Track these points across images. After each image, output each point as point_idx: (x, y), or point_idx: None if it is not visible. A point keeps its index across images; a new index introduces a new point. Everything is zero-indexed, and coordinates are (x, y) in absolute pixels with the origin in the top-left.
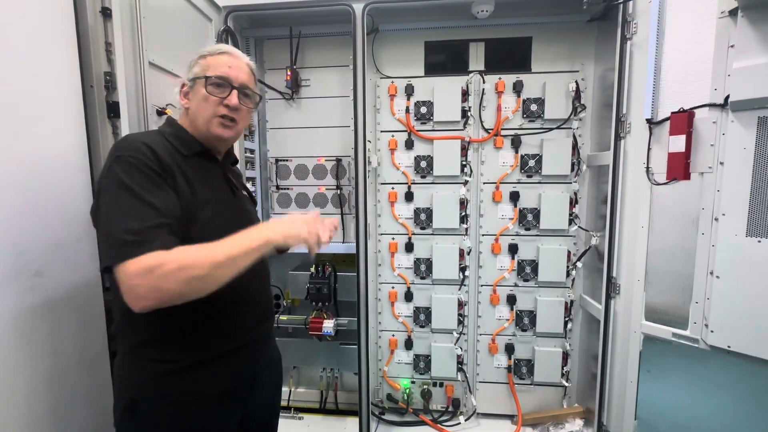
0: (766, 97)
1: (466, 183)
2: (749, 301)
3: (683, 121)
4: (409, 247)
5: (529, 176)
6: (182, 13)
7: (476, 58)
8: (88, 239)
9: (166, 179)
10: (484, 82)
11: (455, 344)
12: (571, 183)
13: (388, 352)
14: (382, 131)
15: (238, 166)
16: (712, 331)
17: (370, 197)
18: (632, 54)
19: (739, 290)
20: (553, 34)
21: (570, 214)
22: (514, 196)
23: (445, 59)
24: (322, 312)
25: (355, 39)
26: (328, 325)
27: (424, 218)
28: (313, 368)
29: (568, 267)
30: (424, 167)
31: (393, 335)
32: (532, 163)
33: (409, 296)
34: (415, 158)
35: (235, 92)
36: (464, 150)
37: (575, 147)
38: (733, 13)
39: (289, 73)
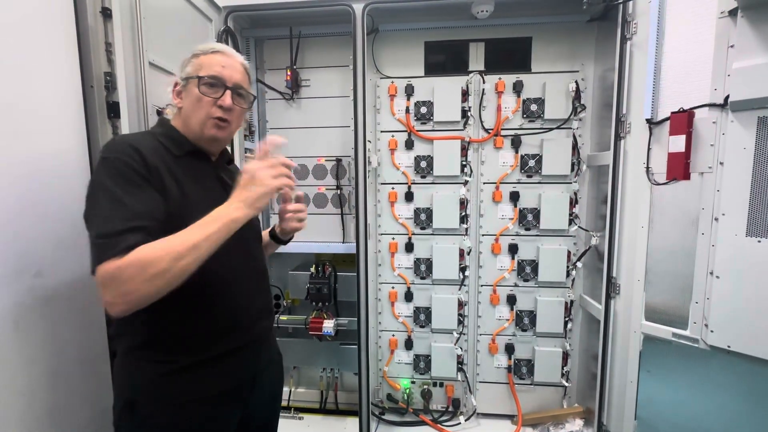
0: (765, 97)
1: (466, 183)
2: (749, 301)
3: (683, 121)
4: (409, 247)
5: (529, 176)
6: (182, 14)
7: (476, 58)
8: (88, 239)
9: (150, 181)
10: (484, 82)
11: (455, 344)
12: (571, 183)
13: (388, 352)
14: (382, 131)
15: (239, 166)
16: (712, 331)
17: (370, 197)
18: (632, 54)
19: (739, 290)
20: (553, 34)
21: (570, 214)
22: (514, 196)
23: (445, 59)
24: (322, 312)
25: (355, 39)
26: (328, 325)
27: (424, 218)
28: (313, 368)
29: (568, 267)
30: (424, 167)
31: (393, 335)
32: (532, 163)
33: (409, 296)
34: (415, 158)
35: (228, 92)
36: (464, 150)
37: (575, 147)
38: (732, 13)
39: (289, 73)
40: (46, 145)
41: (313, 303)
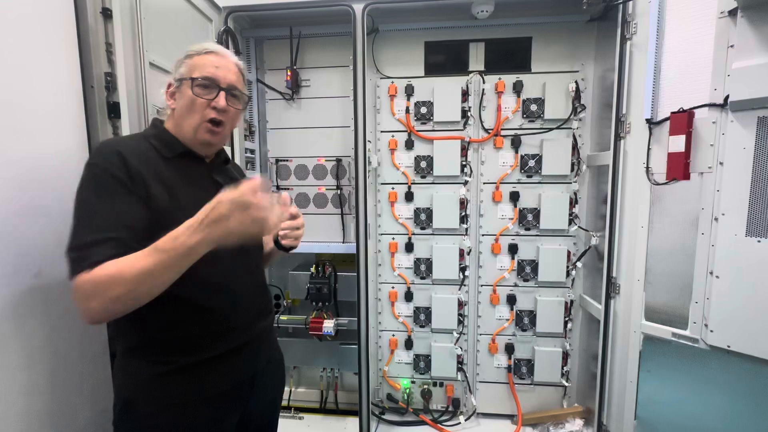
0: (765, 97)
1: (466, 183)
2: (749, 301)
3: (683, 121)
4: (409, 247)
5: (529, 176)
6: (182, 14)
7: (476, 59)
8: None
9: (130, 188)
10: (484, 83)
11: (455, 344)
12: (571, 183)
13: (388, 352)
14: (382, 131)
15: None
16: (711, 331)
17: (370, 197)
18: (632, 54)
19: (738, 290)
20: (553, 35)
21: (570, 214)
22: (514, 196)
23: (445, 59)
24: (323, 312)
25: (355, 39)
26: (329, 325)
27: (424, 218)
28: (313, 368)
29: (568, 267)
30: (424, 167)
31: (393, 335)
32: (532, 163)
33: (409, 296)
34: (415, 158)
35: (222, 94)
36: (464, 150)
37: (575, 147)
38: (732, 13)
39: (289, 73)
40: (47, 146)
41: (313, 303)
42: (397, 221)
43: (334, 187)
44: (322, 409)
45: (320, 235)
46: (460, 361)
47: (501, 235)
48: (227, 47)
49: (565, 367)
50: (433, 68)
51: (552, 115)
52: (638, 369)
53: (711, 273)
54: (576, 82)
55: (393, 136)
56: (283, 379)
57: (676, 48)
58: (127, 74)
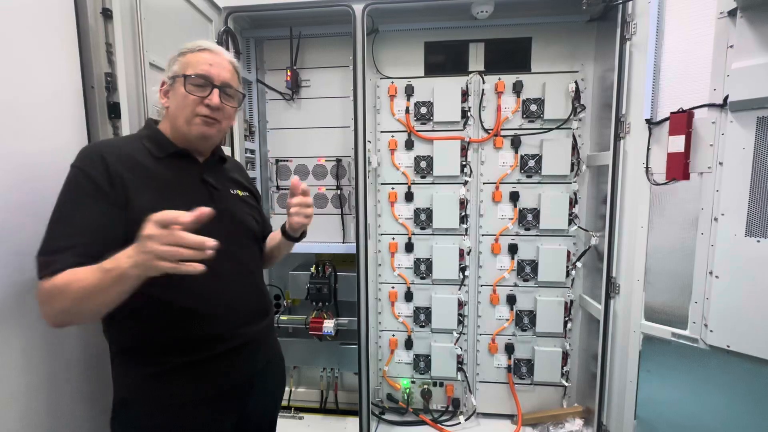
0: (764, 97)
1: (465, 183)
2: (748, 301)
3: (682, 121)
4: (409, 247)
5: (529, 176)
6: (182, 14)
7: (476, 59)
8: None
9: (108, 194)
10: (483, 83)
11: (455, 344)
12: (570, 183)
13: (388, 351)
14: (382, 131)
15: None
16: (711, 331)
17: (370, 197)
18: (632, 54)
19: (738, 290)
20: (553, 35)
21: (570, 214)
22: (514, 196)
23: (444, 60)
24: (323, 312)
25: (355, 39)
26: (329, 325)
27: (424, 218)
28: (313, 368)
29: (567, 267)
30: (424, 167)
31: (393, 335)
32: (531, 163)
33: (409, 296)
34: (415, 158)
35: (216, 91)
36: (464, 150)
37: (575, 147)
38: (732, 13)
39: (289, 73)
40: (47, 146)
41: (313, 303)
42: (397, 221)
43: (334, 187)
44: (322, 409)
45: (320, 235)
46: (460, 361)
47: (501, 235)
48: (227, 48)
49: (564, 367)
50: (433, 68)
51: (552, 115)
52: (638, 369)
53: (710, 273)
54: (576, 82)
55: (393, 136)
56: (284, 381)
57: (675, 48)
58: (127, 74)
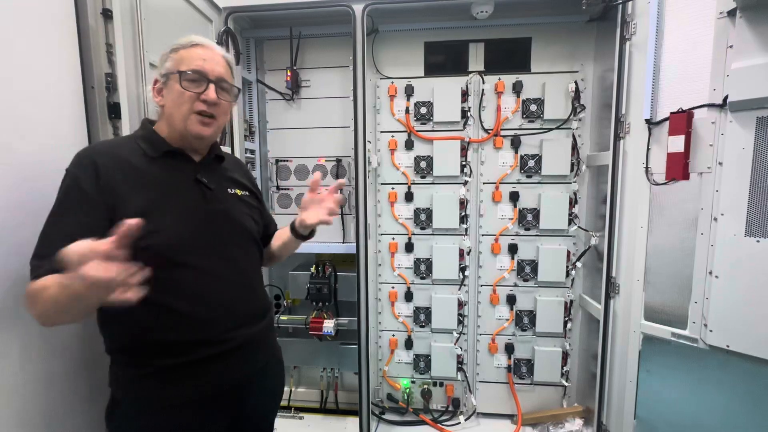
0: (764, 97)
1: (465, 183)
2: (748, 301)
3: (682, 121)
4: (409, 247)
5: (529, 176)
6: (183, 15)
7: (476, 59)
8: None
9: (97, 199)
10: (483, 83)
11: (455, 344)
12: (570, 183)
13: (388, 351)
14: (382, 132)
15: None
16: (711, 331)
17: (370, 197)
18: (631, 54)
19: (737, 290)
20: (553, 35)
21: (569, 214)
22: (514, 196)
23: (444, 60)
24: (323, 312)
25: (355, 40)
26: (329, 325)
27: (424, 218)
28: (313, 368)
29: (567, 267)
30: (424, 167)
31: (393, 335)
32: (531, 163)
33: (409, 296)
34: (415, 158)
35: (212, 86)
36: (464, 150)
37: (575, 147)
38: (731, 13)
39: (289, 73)
40: (48, 146)
41: (314, 303)
42: (397, 221)
43: None
44: (323, 409)
45: (320, 235)
46: (460, 361)
47: (501, 235)
48: (227, 48)
49: (564, 367)
50: (432, 68)
51: (551, 116)
52: (638, 369)
53: (710, 273)
54: (575, 82)
55: (393, 136)
56: (282, 384)
57: (675, 48)
58: (127, 75)
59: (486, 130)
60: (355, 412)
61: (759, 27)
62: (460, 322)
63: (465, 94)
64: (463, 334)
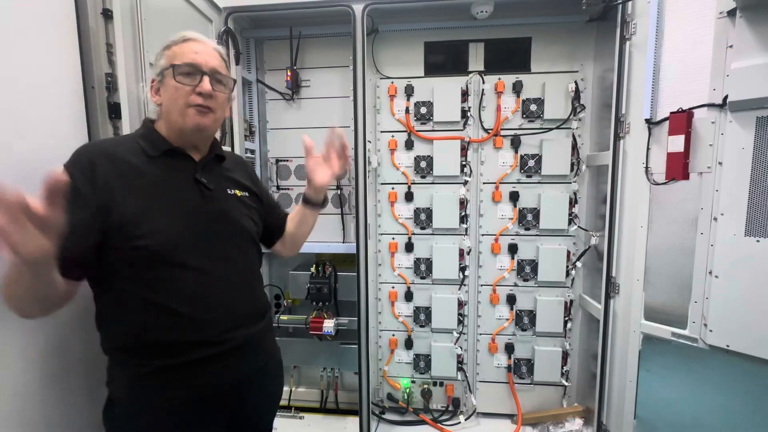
0: (764, 97)
1: (465, 183)
2: (748, 301)
3: (682, 121)
4: (409, 247)
5: (529, 176)
6: (183, 15)
7: (476, 59)
8: None
9: (90, 197)
10: (483, 83)
11: (455, 344)
12: (570, 183)
13: (388, 351)
14: (382, 131)
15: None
16: (711, 331)
17: (370, 197)
18: (631, 54)
19: (737, 290)
20: (553, 35)
21: (569, 214)
22: (514, 196)
23: (444, 60)
24: (323, 312)
25: (354, 39)
26: (329, 324)
27: (424, 218)
28: (313, 368)
29: (567, 267)
30: (424, 167)
31: (393, 335)
32: (531, 163)
33: (409, 296)
34: (415, 158)
35: (206, 78)
36: (464, 150)
37: (575, 147)
38: (731, 13)
39: (289, 73)
40: (48, 146)
41: (314, 303)
42: (397, 221)
43: (334, 187)
44: (323, 409)
45: (320, 235)
46: (460, 361)
47: (501, 234)
48: (227, 48)
49: (564, 367)
50: (432, 68)
51: (551, 115)
52: (638, 368)
53: (710, 273)
54: (575, 82)
55: (393, 136)
56: (281, 385)
57: (675, 48)
58: (127, 75)
59: (486, 130)
60: (355, 412)
61: (759, 27)
62: (460, 321)
63: (465, 94)
64: (463, 333)
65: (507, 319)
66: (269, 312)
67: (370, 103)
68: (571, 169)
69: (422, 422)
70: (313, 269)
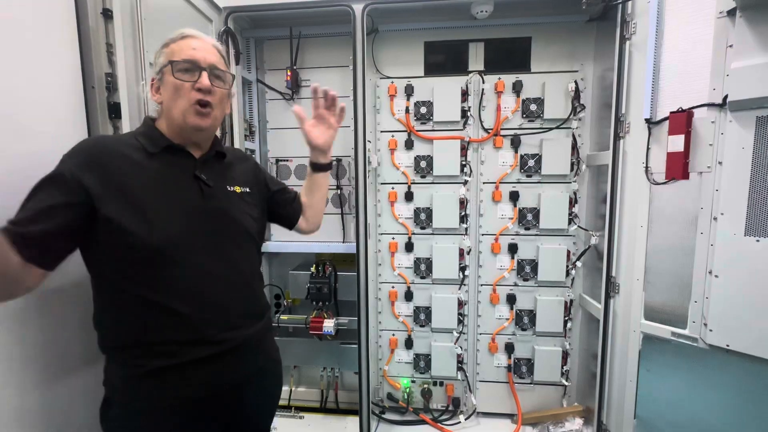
0: (764, 96)
1: (465, 183)
2: (748, 300)
3: (682, 120)
4: (409, 247)
5: (529, 176)
6: (183, 14)
7: (476, 59)
8: None
9: (78, 193)
10: (483, 82)
11: (455, 343)
12: (570, 183)
13: (388, 351)
14: (382, 131)
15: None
16: (710, 330)
17: (370, 197)
18: (631, 54)
19: (737, 289)
20: (553, 34)
21: (569, 214)
22: (514, 196)
23: (444, 59)
24: (323, 311)
25: (354, 39)
26: (329, 324)
27: (424, 218)
28: (313, 367)
29: (567, 266)
30: (423, 167)
31: (393, 335)
32: (531, 162)
33: (409, 296)
34: (415, 158)
35: (205, 74)
36: (464, 150)
37: (575, 147)
38: (731, 13)
39: (289, 73)
40: (48, 146)
41: (314, 302)
42: (397, 221)
43: (334, 187)
44: (323, 409)
45: (320, 234)
46: (460, 361)
47: (501, 234)
48: (227, 47)
49: (564, 367)
50: (432, 68)
51: (551, 115)
52: (638, 368)
53: (710, 272)
54: (575, 81)
55: (393, 136)
56: (280, 386)
57: (675, 48)
58: (127, 75)
59: (486, 130)
60: (355, 412)
61: (759, 26)
62: (460, 321)
63: (465, 94)
64: (463, 333)
65: (507, 319)
66: (269, 312)
67: (370, 103)
68: (571, 169)
69: (422, 422)
70: (313, 269)
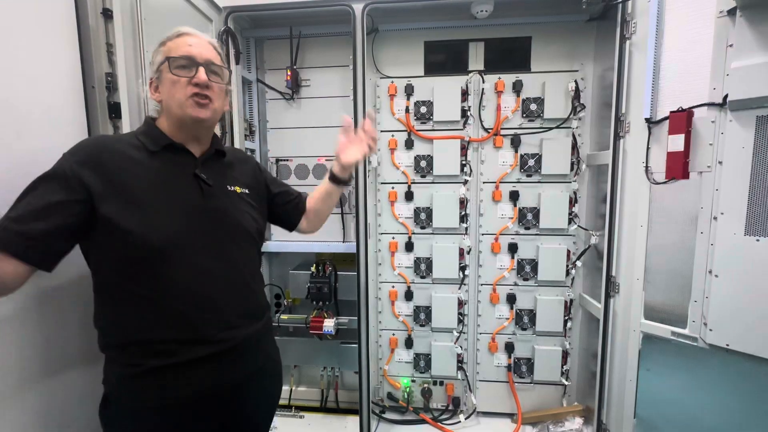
0: (764, 96)
1: (465, 182)
2: (748, 300)
3: (682, 120)
4: (409, 247)
5: (529, 175)
6: (183, 14)
7: (476, 58)
8: None
9: (76, 192)
10: (483, 82)
11: (455, 343)
12: (570, 182)
13: (388, 351)
14: (382, 131)
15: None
16: (710, 330)
17: (370, 197)
18: (631, 53)
19: (737, 289)
20: (553, 34)
21: (569, 214)
22: (514, 196)
23: (444, 59)
24: (323, 311)
25: (354, 39)
26: (329, 324)
27: (424, 217)
28: (313, 367)
29: (567, 266)
30: (424, 167)
31: (393, 334)
32: (531, 162)
33: (409, 295)
34: (415, 158)
35: (201, 69)
36: (464, 149)
37: (575, 146)
38: (731, 12)
39: (289, 73)
40: (48, 146)
41: (314, 302)
42: (397, 221)
43: None
44: (323, 408)
45: (320, 234)
46: (460, 360)
47: (501, 234)
48: (227, 47)
49: (564, 366)
50: (432, 68)
51: (551, 115)
52: (638, 367)
53: (710, 272)
54: (575, 81)
55: (393, 135)
56: (279, 386)
57: (675, 47)
58: (127, 74)
59: (486, 130)
60: (355, 411)
61: (759, 26)
62: (460, 321)
63: (465, 94)
64: (463, 333)
65: (507, 319)
66: (268, 312)
67: (370, 103)
68: (571, 169)
69: (422, 421)
70: (313, 269)
